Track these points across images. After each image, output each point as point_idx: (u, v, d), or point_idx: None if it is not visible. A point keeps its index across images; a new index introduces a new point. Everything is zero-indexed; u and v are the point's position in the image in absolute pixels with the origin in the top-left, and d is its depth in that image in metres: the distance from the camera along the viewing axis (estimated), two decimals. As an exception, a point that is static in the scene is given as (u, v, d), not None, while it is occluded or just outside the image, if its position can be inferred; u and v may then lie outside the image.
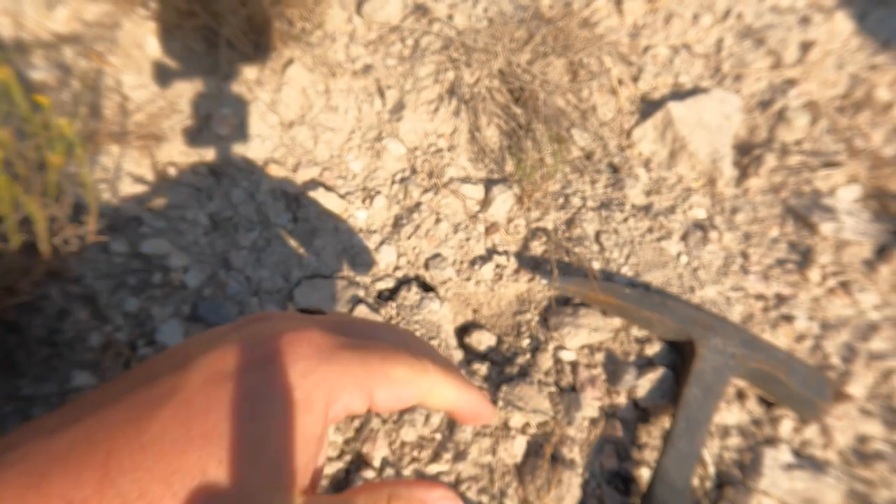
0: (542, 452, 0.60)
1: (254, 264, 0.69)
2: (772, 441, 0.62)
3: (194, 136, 0.76)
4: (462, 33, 0.90)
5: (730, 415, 0.65)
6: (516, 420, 0.63)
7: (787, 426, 0.63)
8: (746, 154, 0.90)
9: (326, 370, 0.19)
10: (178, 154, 0.75)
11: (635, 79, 0.98)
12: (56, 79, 0.70)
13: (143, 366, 0.19)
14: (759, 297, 0.75)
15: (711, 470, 0.61)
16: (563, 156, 0.88)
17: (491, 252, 0.78)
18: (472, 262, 0.77)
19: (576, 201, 0.85)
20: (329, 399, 0.19)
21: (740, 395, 0.67)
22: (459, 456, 0.60)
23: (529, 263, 0.78)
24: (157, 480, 0.16)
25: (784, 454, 0.61)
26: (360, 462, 0.59)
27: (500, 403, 0.64)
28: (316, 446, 0.19)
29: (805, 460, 0.61)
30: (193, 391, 0.18)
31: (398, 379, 0.21)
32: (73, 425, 0.17)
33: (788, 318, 0.72)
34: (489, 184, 0.83)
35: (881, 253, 0.76)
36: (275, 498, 0.18)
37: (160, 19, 0.77)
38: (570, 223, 0.82)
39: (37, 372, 0.56)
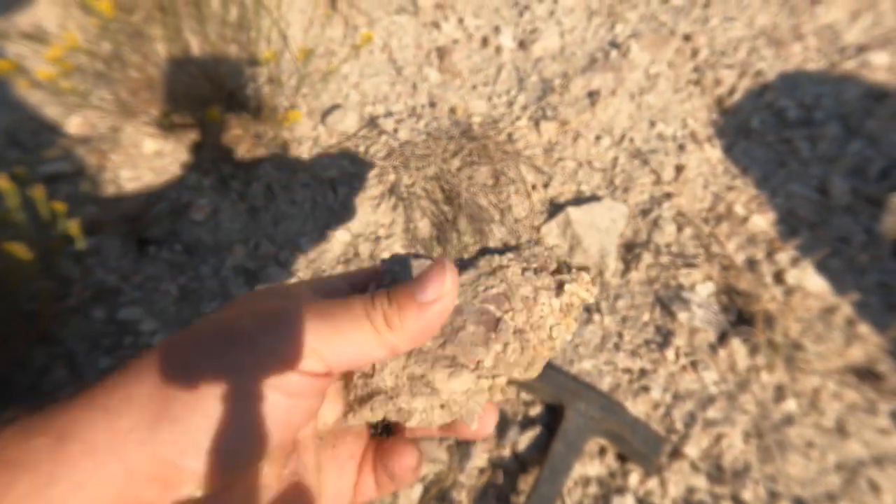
0: (432, 494, 0.74)
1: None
2: (621, 490, 0.77)
3: (174, 221, 0.93)
4: (404, 145, 1.11)
5: (592, 467, 0.80)
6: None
7: (634, 478, 0.78)
8: (630, 251, 1.11)
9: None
10: (160, 234, 0.91)
11: (546, 185, 1.20)
12: (67, 172, 0.88)
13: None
14: (627, 370, 0.92)
15: (570, 513, 0.75)
16: (481, 244, 1.08)
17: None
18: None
19: (489, 285, 1.03)
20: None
21: (602, 451, 0.82)
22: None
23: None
24: None
25: (628, 501, 0.75)
26: None
27: (407, 454, 0.78)
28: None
29: (644, 506, 0.75)
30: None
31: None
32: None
33: (646, 389, 0.89)
34: (418, 267, 1.01)
35: (721, 339, 0.95)
36: None
37: (156, 126, 0.96)
38: (482, 303, 1.00)
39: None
